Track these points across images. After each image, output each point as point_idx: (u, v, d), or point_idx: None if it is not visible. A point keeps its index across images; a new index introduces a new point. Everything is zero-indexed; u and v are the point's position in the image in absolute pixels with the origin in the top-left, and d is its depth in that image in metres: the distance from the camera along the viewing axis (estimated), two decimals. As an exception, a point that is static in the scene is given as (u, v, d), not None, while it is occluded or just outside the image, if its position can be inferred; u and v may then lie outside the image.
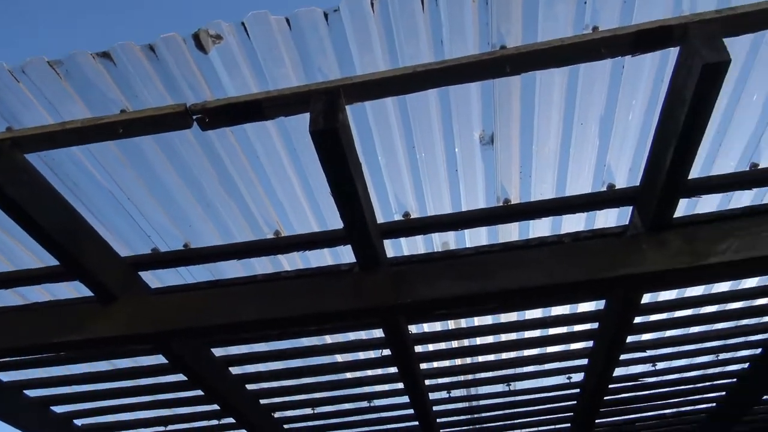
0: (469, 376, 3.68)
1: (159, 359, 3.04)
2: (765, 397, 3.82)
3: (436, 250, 2.56)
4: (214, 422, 3.89)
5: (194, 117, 1.84)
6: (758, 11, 1.67)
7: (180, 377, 3.15)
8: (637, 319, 3.10)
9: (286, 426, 4.04)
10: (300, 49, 1.80)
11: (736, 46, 1.86)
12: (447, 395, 3.85)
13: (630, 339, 3.32)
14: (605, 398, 3.83)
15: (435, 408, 3.90)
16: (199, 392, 3.30)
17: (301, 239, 2.40)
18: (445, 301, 2.31)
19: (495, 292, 2.29)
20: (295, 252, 2.49)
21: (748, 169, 2.26)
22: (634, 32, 1.71)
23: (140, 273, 2.52)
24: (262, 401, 3.64)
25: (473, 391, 3.91)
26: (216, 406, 3.48)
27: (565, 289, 2.31)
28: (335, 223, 2.35)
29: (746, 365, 3.62)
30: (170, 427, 3.92)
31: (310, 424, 4.08)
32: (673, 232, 2.21)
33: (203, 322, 2.43)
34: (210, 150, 2.04)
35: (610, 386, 3.71)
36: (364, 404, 3.87)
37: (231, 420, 3.60)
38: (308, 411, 3.89)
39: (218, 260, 2.51)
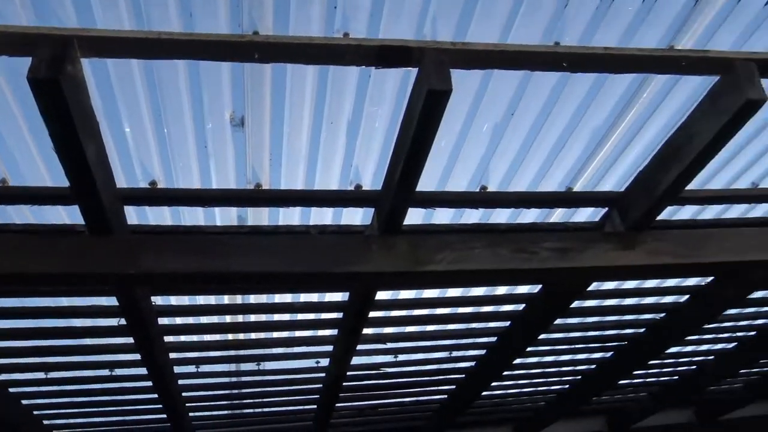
0: (219, 353, 3.67)
1: None
2: (484, 393, 4.28)
3: (183, 224, 2.51)
4: None
5: None
6: (485, 51, 1.85)
7: None
8: (380, 314, 3.31)
9: (12, 390, 3.72)
10: (30, -13, 1.65)
11: (471, 77, 2.05)
12: (195, 370, 3.81)
13: (373, 331, 3.55)
14: (349, 384, 4.06)
15: (181, 382, 3.83)
16: None
17: (26, 192, 2.20)
18: (177, 276, 2.28)
19: (231, 273, 2.30)
20: (22, 205, 2.29)
21: (478, 190, 2.51)
22: (377, 46, 1.80)
23: None
24: (-18, 361, 3.32)
25: (224, 367, 3.91)
26: None
27: (302, 279, 2.40)
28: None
29: (473, 363, 4.04)
30: None
31: (43, 389, 3.80)
32: (403, 237, 2.38)
33: None
34: None
35: (354, 373, 3.94)
36: (105, 372, 3.69)
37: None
38: (40, 375, 3.62)
39: (-74, 202, 2.23)
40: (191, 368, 3.78)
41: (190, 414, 4.38)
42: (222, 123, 2.11)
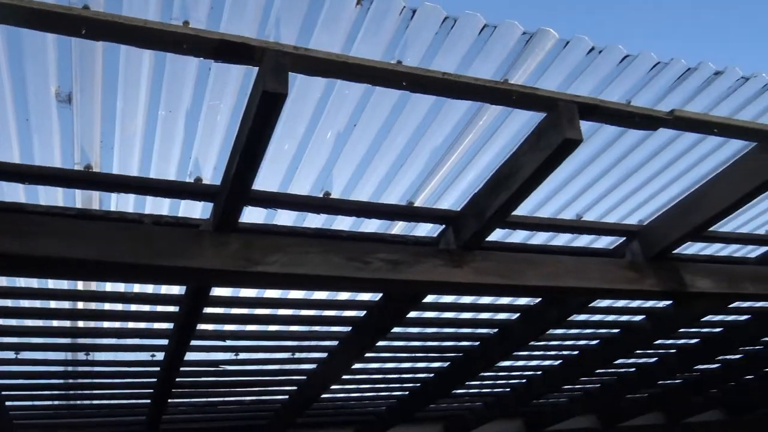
0: (43, 340, 3.43)
1: None
2: (325, 395, 4.32)
3: (2, 200, 2.32)
4: None
5: None
6: (326, 60, 1.86)
7: None
8: (219, 310, 3.24)
9: None
10: None
11: (315, 84, 2.06)
12: (14, 356, 3.54)
13: (213, 327, 3.46)
14: (186, 380, 3.95)
15: (-2, 368, 3.55)
16: None
17: None
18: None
19: (50, 257, 2.16)
20: None
21: (321, 196, 2.52)
22: (217, 39, 1.76)
23: None
24: None
25: (49, 355, 3.65)
26: None
27: (126, 269, 2.29)
28: None
29: (315, 366, 4.05)
30: None
31: None
32: (238, 235, 2.35)
33: None
34: None
35: (191, 369, 3.83)
36: None
37: None
38: None
39: None
40: (9, 354, 3.50)
41: (8, 403, 4.05)
42: (47, 98, 1.98)
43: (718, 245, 3.30)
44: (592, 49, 2.07)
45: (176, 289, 3.03)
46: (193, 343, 3.37)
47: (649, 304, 3.74)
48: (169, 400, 4.06)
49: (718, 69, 2.25)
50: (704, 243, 3.17)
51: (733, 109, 2.44)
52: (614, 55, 2.12)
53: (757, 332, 4.23)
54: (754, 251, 3.38)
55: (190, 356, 3.61)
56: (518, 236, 2.96)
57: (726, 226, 3.13)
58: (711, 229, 2.94)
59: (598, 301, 3.45)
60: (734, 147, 2.53)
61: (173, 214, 2.49)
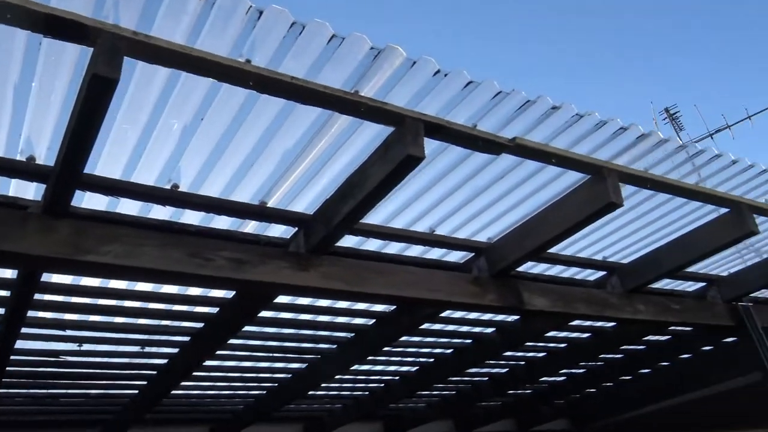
0: None
1: None
2: (177, 391, 4.19)
3: None
4: None
5: None
6: (167, 49, 1.80)
7: None
8: (58, 298, 3.06)
9: None
10: None
11: (160, 72, 1.99)
12: None
13: (51, 315, 3.27)
14: (20, 369, 3.70)
15: None
16: None
17: None
18: None
19: None
20: None
21: (169, 187, 2.44)
22: (46, 14, 1.66)
23: None
24: None
25: None
26: None
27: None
28: None
29: (166, 361, 3.92)
30: None
31: None
32: (71, 221, 2.23)
33: None
34: None
35: (27, 358, 3.60)
36: None
37: None
38: None
39: None
40: None
41: None
42: None
43: (561, 267, 3.51)
44: (438, 71, 2.13)
45: (9, 273, 2.83)
46: (27, 330, 3.17)
47: (499, 318, 3.92)
48: (1, 390, 3.78)
49: (555, 104, 2.39)
50: (547, 264, 3.36)
51: (570, 142, 2.60)
52: (459, 79, 2.20)
53: (597, 350, 4.55)
54: (593, 275, 3.63)
55: (25, 344, 3.40)
56: (373, 245, 3.01)
57: (568, 249, 3.34)
58: (553, 251, 3.13)
59: (450, 312, 3.57)
60: (573, 177, 2.69)
61: (2, 193, 2.33)
